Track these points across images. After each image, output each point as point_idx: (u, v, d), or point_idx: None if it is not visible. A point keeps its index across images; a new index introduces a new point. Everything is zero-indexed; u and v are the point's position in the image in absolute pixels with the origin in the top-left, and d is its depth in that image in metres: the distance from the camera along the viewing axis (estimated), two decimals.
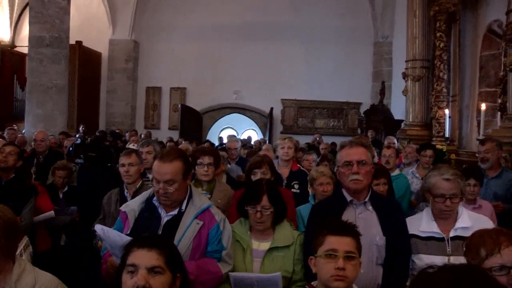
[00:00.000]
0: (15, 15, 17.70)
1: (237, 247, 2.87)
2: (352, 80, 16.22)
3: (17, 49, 17.65)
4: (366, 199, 2.68)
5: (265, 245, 2.88)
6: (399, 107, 12.52)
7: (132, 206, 2.73)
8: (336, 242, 2.05)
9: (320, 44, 16.27)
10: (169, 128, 17.04)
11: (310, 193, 4.53)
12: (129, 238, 2.22)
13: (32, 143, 7.24)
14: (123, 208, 2.79)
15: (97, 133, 11.11)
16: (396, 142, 8.21)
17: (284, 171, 4.97)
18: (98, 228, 2.45)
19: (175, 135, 13.89)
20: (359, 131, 14.59)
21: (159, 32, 17.01)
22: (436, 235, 2.69)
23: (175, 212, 2.64)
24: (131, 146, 6.54)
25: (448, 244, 2.66)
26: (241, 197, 3.05)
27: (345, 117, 16.90)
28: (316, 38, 16.24)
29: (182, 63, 16.74)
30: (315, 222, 2.61)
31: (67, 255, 4.73)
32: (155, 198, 2.68)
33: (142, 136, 11.23)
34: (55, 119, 10.67)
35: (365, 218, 2.61)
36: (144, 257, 1.80)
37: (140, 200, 2.76)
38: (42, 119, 10.55)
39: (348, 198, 2.69)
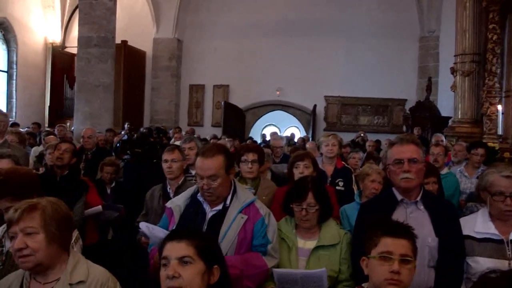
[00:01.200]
0: (65, 18, 18.30)
1: (283, 246, 2.85)
2: (396, 76, 15.87)
3: (67, 49, 18.25)
4: (418, 198, 2.57)
5: (310, 244, 2.85)
6: (447, 103, 12.13)
7: (178, 202, 2.75)
8: (391, 244, 1.97)
9: (363, 40, 15.99)
10: (212, 125, 17.19)
11: (355, 191, 4.45)
12: (163, 235, 2.24)
13: (81, 140, 7.43)
14: (168, 204, 2.81)
15: (142, 130, 11.30)
16: (444, 139, 7.96)
17: (329, 168, 4.90)
18: (143, 225, 2.49)
19: (218, 132, 13.97)
20: (404, 128, 14.27)
21: (202, 30, 17.18)
22: (494, 237, 2.54)
23: (219, 207, 2.65)
24: (176, 143, 6.62)
25: (509, 247, 2.50)
26: (286, 195, 3.03)
27: (389, 114, 16.54)
28: (360, 33, 15.98)
29: (225, 61, 16.85)
30: (364, 221, 2.55)
31: (113, 249, 4.84)
32: (199, 193, 2.69)
33: (185, 133, 11.35)
34: (102, 116, 10.94)
35: (416, 218, 2.50)
36: (174, 248, 1.83)
37: (185, 196, 2.78)
38: (89, 116, 10.84)
39: (399, 197, 2.59)
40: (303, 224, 2.86)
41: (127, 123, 13.23)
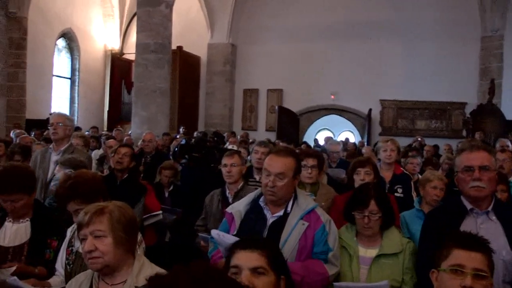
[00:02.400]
0: (123, 26, 18.95)
1: (344, 254, 2.78)
2: (456, 79, 15.23)
3: (125, 56, 18.86)
4: (489, 208, 2.43)
5: (372, 252, 2.77)
6: None
7: (238, 208, 2.75)
8: (464, 257, 1.87)
9: (420, 41, 15.52)
10: (266, 130, 17.21)
11: (414, 198, 4.31)
12: (232, 241, 2.22)
13: (139, 143, 7.61)
14: (229, 209, 2.82)
15: (197, 134, 11.46)
16: (510, 145, 7.57)
17: (387, 175, 4.76)
18: (214, 232, 2.49)
19: (272, 136, 13.97)
20: (464, 133, 13.73)
21: (255, 35, 17.27)
22: None
23: (280, 213, 2.62)
24: (229, 147, 6.67)
25: None
26: (347, 202, 2.96)
27: (448, 118, 15.92)
28: (416, 34, 15.52)
29: (278, 65, 16.85)
30: (430, 231, 2.44)
31: (171, 252, 4.91)
32: (261, 199, 2.69)
33: (239, 137, 11.41)
34: (158, 120, 11.19)
35: (488, 229, 2.35)
36: (246, 258, 1.81)
37: (246, 201, 2.77)
38: (146, 120, 11.11)
39: (468, 206, 2.46)
40: (365, 231, 2.79)
41: (182, 127, 13.48)
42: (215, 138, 6.63)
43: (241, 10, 17.28)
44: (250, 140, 11.08)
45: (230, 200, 3.82)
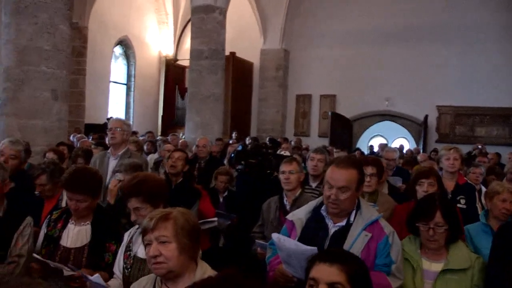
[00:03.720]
0: (177, 32, 19.35)
1: (406, 266, 2.68)
2: None
3: (178, 62, 19.23)
4: None
5: (437, 266, 2.65)
6: None
7: (299, 215, 2.70)
8: None
9: (479, 44, 14.86)
10: (319, 136, 17.04)
11: (479, 210, 4.11)
12: (306, 247, 2.21)
13: (193, 148, 7.68)
14: (289, 217, 2.77)
15: (248, 139, 11.48)
16: None
17: (449, 184, 4.55)
18: (275, 236, 2.46)
19: (325, 142, 13.80)
20: None
21: (308, 40, 17.17)
22: None
23: (343, 223, 2.56)
24: (282, 153, 6.61)
25: None
26: (411, 213, 2.84)
27: (511, 124, 15.20)
28: (474, 37, 14.88)
29: (331, 70, 16.67)
30: (502, 247, 2.29)
31: (224, 257, 4.89)
32: (322, 208, 2.63)
33: (293, 143, 11.34)
34: (211, 126, 11.29)
35: None
36: (324, 272, 1.75)
37: (307, 209, 2.72)
38: (200, 126, 11.23)
39: None
40: (429, 244, 2.67)
41: (234, 133, 13.55)
42: (271, 144, 6.59)
43: (293, 16, 17.23)
44: (303, 146, 10.98)
45: (288, 207, 3.76)
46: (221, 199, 5.43)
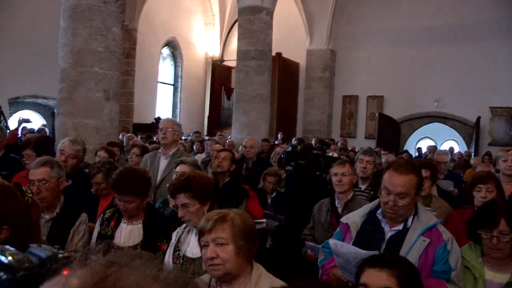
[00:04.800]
0: (224, 33, 19.53)
1: (468, 275, 2.56)
2: None
3: (225, 63, 19.40)
4: None
5: (502, 277, 2.51)
6: None
7: (354, 218, 2.65)
8: None
9: None
10: (365, 137, 16.77)
11: None
12: (363, 252, 2.17)
13: (239, 149, 7.71)
14: (344, 219, 2.73)
15: (293, 141, 11.43)
16: None
17: (507, 188, 4.34)
18: (331, 242, 2.44)
19: (371, 144, 13.53)
20: None
21: (355, 40, 16.90)
22: None
23: (399, 227, 2.49)
24: (330, 154, 6.52)
25: None
26: (471, 219, 2.72)
27: None
28: None
29: (379, 71, 16.34)
30: None
31: (272, 259, 4.86)
32: (378, 211, 2.56)
33: (339, 144, 11.20)
34: (258, 126, 11.31)
35: None
36: (374, 277, 1.73)
37: (362, 212, 2.67)
38: (246, 126, 11.28)
39: None
40: (493, 253, 2.54)
41: (280, 133, 13.52)
42: (321, 146, 6.51)
43: (340, 16, 17.02)
44: (349, 148, 10.83)
45: (340, 210, 3.71)
46: (269, 200, 5.40)
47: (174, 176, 3.83)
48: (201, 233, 2.04)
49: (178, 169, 3.77)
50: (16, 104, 13.41)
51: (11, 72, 12.03)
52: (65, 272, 0.61)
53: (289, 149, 5.26)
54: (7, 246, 1.15)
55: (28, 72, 12.30)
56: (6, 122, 10.98)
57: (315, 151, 5.06)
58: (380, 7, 16.36)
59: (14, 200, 1.74)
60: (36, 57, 12.23)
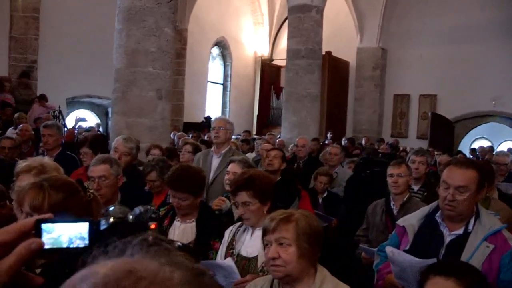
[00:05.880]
0: (273, 33, 19.54)
1: None
2: None
3: (274, 62, 19.40)
4: None
5: None
6: None
7: (411, 221, 2.55)
8: None
9: None
10: (417, 137, 16.36)
11: None
12: (419, 261, 2.08)
13: (289, 148, 7.65)
14: (400, 222, 2.63)
15: (343, 141, 11.28)
16: None
17: None
18: (388, 250, 2.36)
19: (423, 144, 13.15)
20: None
21: (407, 38, 16.50)
22: None
23: (460, 231, 2.37)
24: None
25: None
26: None
27: None
28: None
29: (432, 69, 15.86)
30: None
31: (321, 260, 4.80)
32: (437, 214, 2.45)
33: (390, 145, 10.96)
34: (308, 126, 11.21)
35: None
36: (440, 286, 1.64)
37: (420, 215, 2.56)
38: (296, 125, 11.20)
39: None
40: None
41: (329, 133, 13.38)
42: (391, 150, 6.40)
43: (391, 13, 16.67)
44: (401, 148, 10.59)
45: (395, 211, 3.60)
46: (320, 200, 5.35)
47: (225, 176, 3.85)
48: (264, 232, 2.03)
49: (229, 168, 3.78)
50: (73, 103, 13.93)
51: (68, 73, 12.48)
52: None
53: (365, 156, 5.18)
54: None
55: (84, 73, 12.74)
56: (64, 121, 11.44)
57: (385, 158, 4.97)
58: (432, 3, 15.91)
59: (78, 195, 1.78)
60: (91, 59, 12.64)
